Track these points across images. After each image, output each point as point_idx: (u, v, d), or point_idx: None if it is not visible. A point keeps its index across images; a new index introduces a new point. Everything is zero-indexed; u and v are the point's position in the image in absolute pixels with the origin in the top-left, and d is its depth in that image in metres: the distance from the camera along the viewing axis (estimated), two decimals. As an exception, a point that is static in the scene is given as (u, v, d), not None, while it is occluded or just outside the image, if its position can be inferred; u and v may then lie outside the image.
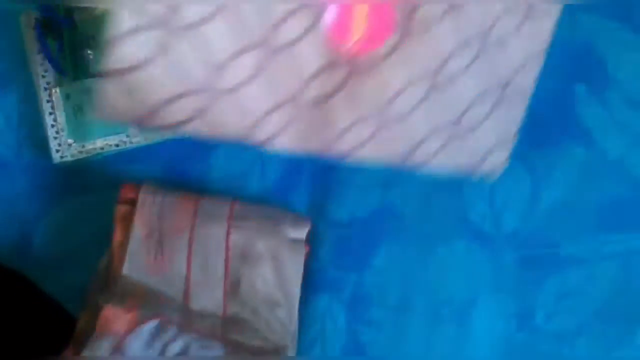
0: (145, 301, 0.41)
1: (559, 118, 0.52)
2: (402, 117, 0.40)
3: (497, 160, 0.45)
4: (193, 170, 0.52)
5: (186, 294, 0.42)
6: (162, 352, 0.40)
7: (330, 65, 0.38)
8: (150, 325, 0.40)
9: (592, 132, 0.52)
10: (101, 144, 0.51)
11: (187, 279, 0.43)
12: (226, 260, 0.44)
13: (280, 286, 0.44)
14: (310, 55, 0.37)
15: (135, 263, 0.43)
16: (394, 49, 0.39)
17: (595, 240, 0.49)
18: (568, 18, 0.56)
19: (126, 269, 0.43)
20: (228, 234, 0.45)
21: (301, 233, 0.47)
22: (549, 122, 0.52)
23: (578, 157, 0.51)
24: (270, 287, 0.44)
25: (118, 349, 0.39)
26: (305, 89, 0.38)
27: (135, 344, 0.40)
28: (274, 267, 0.45)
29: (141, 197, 0.45)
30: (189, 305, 0.42)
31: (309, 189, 0.50)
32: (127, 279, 0.42)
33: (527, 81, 0.45)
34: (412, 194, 0.50)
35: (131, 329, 0.40)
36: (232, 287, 0.43)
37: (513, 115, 0.45)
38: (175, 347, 0.40)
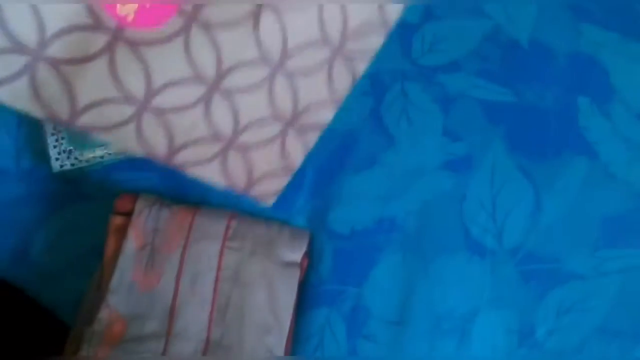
0: (119, 346, 0.40)
1: (562, 130, 0.51)
2: (175, 110, 0.40)
3: (270, 187, 0.44)
4: (192, 180, 0.51)
5: (172, 312, 0.41)
6: None
7: (91, 27, 0.37)
8: None
9: (595, 144, 0.50)
10: (101, 152, 0.49)
11: (175, 297, 0.42)
12: (216, 280, 0.43)
13: (272, 311, 0.43)
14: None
15: (125, 276, 0.42)
16: (176, 35, 0.39)
17: (596, 256, 0.48)
18: (572, 30, 0.55)
19: (115, 281, 0.42)
20: (221, 254, 0.43)
21: (298, 254, 0.45)
22: (551, 134, 0.51)
23: (580, 170, 0.49)
24: (261, 312, 0.43)
25: None
26: (48, 45, 0.37)
27: None
28: (267, 291, 0.43)
29: (137, 208, 0.44)
30: (173, 325, 0.41)
31: (309, 200, 0.49)
32: (110, 309, 0.41)
33: (322, 118, 0.44)
34: (413, 207, 0.49)
35: None
36: (220, 310, 0.42)
37: (297, 148, 0.44)
38: None
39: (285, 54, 0.41)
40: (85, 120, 0.39)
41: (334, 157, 0.50)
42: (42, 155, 0.50)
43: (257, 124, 0.42)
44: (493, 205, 0.49)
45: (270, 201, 0.44)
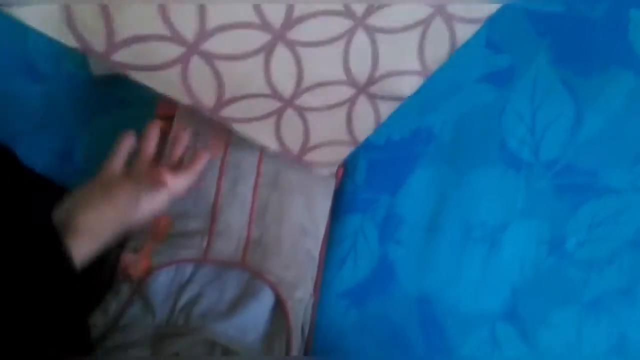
0: (165, 240, 0.41)
1: (610, 43, 0.48)
2: (229, 57, 0.34)
3: (328, 157, 0.40)
4: None
5: (214, 211, 0.43)
6: (178, 294, 0.40)
7: None
8: (165, 270, 0.41)
9: (644, 59, 0.48)
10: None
11: (216, 198, 0.43)
12: (255, 185, 0.44)
13: (309, 215, 0.44)
14: None
15: None
16: None
17: (634, 171, 0.47)
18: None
19: None
20: (260, 161, 0.44)
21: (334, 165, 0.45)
22: (598, 47, 0.48)
23: (626, 84, 0.47)
24: (299, 215, 0.44)
25: (137, 291, 0.40)
26: None
27: (153, 287, 0.40)
28: (304, 197, 0.44)
29: (179, 112, 0.44)
30: (214, 225, 0.42)
31: None
32: None
33: (402, 89, 0.39)
34: (451, 118, 0.48)
35: (147, 274, 0.40)
36: (259, 212, 0.43)
37: (367, 118, 0.39)
38: (192, 290, 0.40)
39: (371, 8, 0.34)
40: (122, 56, 0.35)
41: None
42: (82, 59, 0.50)
43: (325, 84, 0.37)
44: (532, 119, 0.48)
45: (325, 172, 0.40)
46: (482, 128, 0.48)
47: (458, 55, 0.49)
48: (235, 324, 0.39)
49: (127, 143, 0.41)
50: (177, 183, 0.39)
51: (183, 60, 0.35)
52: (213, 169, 0.44)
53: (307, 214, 0.44)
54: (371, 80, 0.37)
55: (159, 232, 0.42)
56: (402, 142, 0.48)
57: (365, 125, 0.40)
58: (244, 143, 0.44)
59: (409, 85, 0.39)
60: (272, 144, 0.39)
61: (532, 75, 0.48)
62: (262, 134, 0.39)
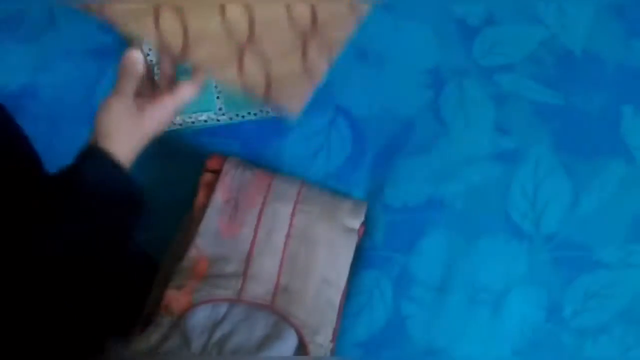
0: (204, 279, 0.45)
1: (604, 134, 0.54)
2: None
3: (293, 96, 0.39)
4: (267, 149, 0.56)
5: (249, 257, 0.46)
6: (212, 330, 0.43)
7: None
8: (203, 307, 0.44)
9: (634, 149, 0.53)
10: (193, 118, 0.56)
11: (252, 245, 0.47)
12: (287, 236, 0.48)
13: (333, 267, 0.47)
14: None
15: (212, 223, 0.47)
16: None
17: (625, 248, 0.51)
18: (622, 43, 0.59)
19: (204, 227, 0.47)
20: (293, 214, 0.48)
21: (357, 222, 0.50)
22: (594, 136, 0.54)
23: (618, 171, 0.52)
24: (323, 267, 0.47)
25: (177, 325, 0.43)
26: None
27: (191, 322, 0.43)
28: (329, 250, 0.48)
29: (225, 168, 0.49)
30: (249, 269, 0.46)
31: (368, 175, 0.54)
32: (198, 249, 0.46)
33: (343, 33, 0.39)
34: (462, 190, 0.53)
35: (187, 309, 0.44)
36: (289, 261, 0.47)
37: (321, 59, 0.39)
38: (225, 327, 0.43)
39: None
40: None
41: (393, 141, 0.55)
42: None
43: (275, 33, 0.39)
44: (534, 195, 0.53)
45: (294, 112, 0.40)
46: (489, 200, 0.52)
47: (469, 134, 0.55)
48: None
49: (133, 68, 0.40)
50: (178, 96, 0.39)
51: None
52: (252, 218, 0.48)
53: (330, 266, 0.47)
54: (315, 27, 0.40)
55: (198, 273, 0.46)
56: (417, 208, 0.53)
57: (320, 64, 0.41)
58: (281, 197, 0.49)
59: (346, 30, 0.41)
60: (238, 84, 0.40)
61: (535, 157, 0.53)
62: (227, 76, 0.40)
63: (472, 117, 0.54)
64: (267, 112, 0.56)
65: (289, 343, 0.44)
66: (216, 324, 0.44)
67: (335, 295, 0.47)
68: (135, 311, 0.46)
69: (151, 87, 0.41)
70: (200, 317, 0.44)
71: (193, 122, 0.54)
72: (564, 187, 0.52)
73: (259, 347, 0.43)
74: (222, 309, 0.45)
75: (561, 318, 0.49)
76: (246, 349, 0.42)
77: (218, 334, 0.43)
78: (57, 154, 0.54)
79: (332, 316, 0.47)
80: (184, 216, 0.50)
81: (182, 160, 0.55)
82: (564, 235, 0.51)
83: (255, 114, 0.56)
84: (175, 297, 0.44)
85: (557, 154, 0.53)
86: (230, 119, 0.55)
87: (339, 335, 0.49)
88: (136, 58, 0.39)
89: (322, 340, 0.45)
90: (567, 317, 0.49)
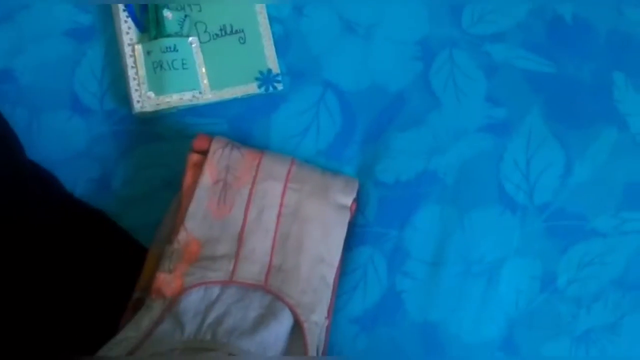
0: (195, 262, 0.44)
1: (596, 101, 0.53)
2: None
3: None
4: (255, 128, 0.54)
5: (240, 238, 0.45)
6: (206, 312, 0.43)
7: None
8: (195, 289, 0.43)
9: (626, 117, 0.53)
10: (177, 98, 0.54)
11: (243, 225, 0.46)
12: (279, 215, 0.47)
13: (325, 245, 0.47)
14: None
15: (201, 205, 0.46)
16: None
17: (618, 216, 0.50)
18: (613, 9, 0.57)
19: (192, 209, 0.46)
20: (284, 193, 0.47)
21: (349, 198, 0.49)
22: (586, 104, 0.53)
23: (610, 138, 0.52)
24: (316, 245, 0.46)
25: (168, 309, 0.42)
26: None
27: (183, 305, 0.43)
28: (322, 228, 0.47)
29: (212, 147, 0.48)
30: (240, 250, 0.45)
31: (359, 151, 0.52)
32: (187, 232, 0.45)
33: None
34: (454, 163, 0.52)
35: (178, 293, 0.43)
36: (281, 240, 0.46)
37: None
38: (218, 309, 0.43)
39: None
40: None
41: (383, 115, 0.53)
42: (124, 98, 0.55)
43: None
44: (527, 166, 0.52)
45: None
46: (482, 172, 0.51)
47: (460, 106, 0.54)
48: (257, 341, 0.41)
49: None
50: None
51: None
52: (242, 198, 0.47)
53: (323, 243, 0.47)
54: None
55: (189, 255, 0.45)
56: (409, 182, 0.51)
57: None
58: (271, 176, 0.48)
59: None
60: None
61: (527, 128, 0.52)
62: None
63: (463, 88, 0.53)
64: (255, 89, 0.54)
65: (284, 322, 0.43)
66: (209, 306, 0.43)
67: (329, 273, 0.47)
68: (124, 299, 0.45)
69: None
70: (193, 300, 0.43)
71: (178, 102, 0.53)
72: (557, 157, 0.52)
73: (254, 328, 0.42)
74: (215, 291, 0.44)
75: (555, 287, 0.49)
76: (241, 330, 0.42)
77: (212, 316, 0.42)
78: (38, 139, 0.53)
79: (326, 294, 0.46)
80: (169, 201, 0.49)
81: (168, 142, 0.53)
82: (557, 205, 0.51)
83: (241, 92, 0.54)
84: (166, 281, 0.43)
85: (549, 123, 0.52)
86: (216, 97, 0.54)
87: (334, 312, 0.48)
88: None
89: (317, 318, 0.44)
90: (561, 287, 0.49)
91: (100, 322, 0.44)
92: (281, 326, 0.43)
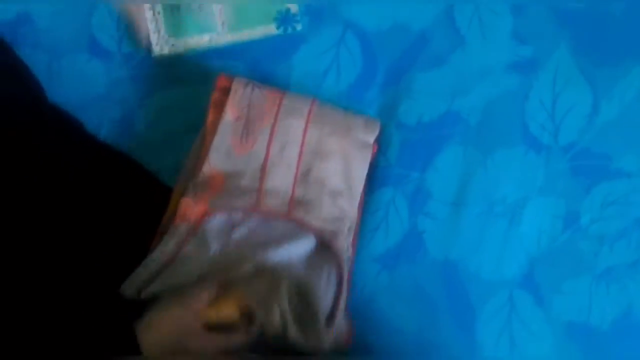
0: (220, 192, 0.45)
1: (627, 38, 0.50)
2: None
3: None
4: (275, 69, 0.53)
5: (262, 172, 0.46)
6: (229, 234, 0.44)
7: None
8: (219, 214, 0.44)
9: (657, 54, 0.51)
10: (195, 40, 0.53)
11: (266, 160, 0.46)
12: (300, 151, 0.47)
13: (346, 180, 0.47)
14: None
15: (224, 140, 0.47)
16: None
17: None
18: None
19: (216, 143, 0.46)
20: (306, 130, 0.47)
21: (370, 136, 0.49)
22: (615, 41, 0.50)
23: (639, 77, 0.50)
24: (336, 180, 0.47)
25: (193, 232, 0.44)
26: None
27: (207, 228, 0.44)
28: (343, 163, 0.47)
29: (234, 86, 0.47)
30: (264, 183, 0.46)
31: (380, 92, 0.52)
32: (210, 166, 0.46)
33: None
34: (478, 103, 0.50)
35: (203, 217, 0.44)
36: (303, 174, 0.47)
37: None
38: (242, 231, 0.45)
39: None
40: None
41: (406, 55, 0.52)
42: (142, 41, 0.54)
43: None
44: (553, 105, 0.51)
45: None
46: (507, 112, 0.50)
47: (485, 44, 0.53)
48: (281, 253, 0.43)
49: None
50: None
51: None
52: (264, 134, 0.47)
53: (344, 177, 0.47)
54: None
55: (214, 186, 0.45)
56: (432, 123, 0.51)
57: None
58: (292, 114, 0.47)
59: None
60: None
61: (554, 66, 0.51)
62: None
63: (489, 26, 0.51)
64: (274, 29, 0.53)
65: (308, 243, 0.45)
66: (234, 226, 0.44)
67: (349, 206, 0.47)
68: (152, 238, 0.46)
69: None
70: (217, 223, 0.44)
71: (196, 44, 0.52)
72: (584, 96, 0.50)
73: (278, 244, 0.44)
74: (239, 216, 0.45)
75: (578, 226, 0.49)
76: (266, 244, 0.43)
77: (236, 236, 0.44)
78: (57, 82, 0.53)
79: (347, 224, 0.47)
80: (190, 144, 0.49)
81: (188, 86, 0.53)
82: (582, 144, 0.50)
83: (260, 33, 0.53)
84: (191, 205, 0.44)
85: (577, 61, 0.50)
86: (235, 39, 0.53)
87: (356, 251, 0.49)
88: None
89: (341, 244, 0.45)
90: (584, 225, 0.49)
91: (129, 258, 0.45)
92: (305, 245, 0.44)
